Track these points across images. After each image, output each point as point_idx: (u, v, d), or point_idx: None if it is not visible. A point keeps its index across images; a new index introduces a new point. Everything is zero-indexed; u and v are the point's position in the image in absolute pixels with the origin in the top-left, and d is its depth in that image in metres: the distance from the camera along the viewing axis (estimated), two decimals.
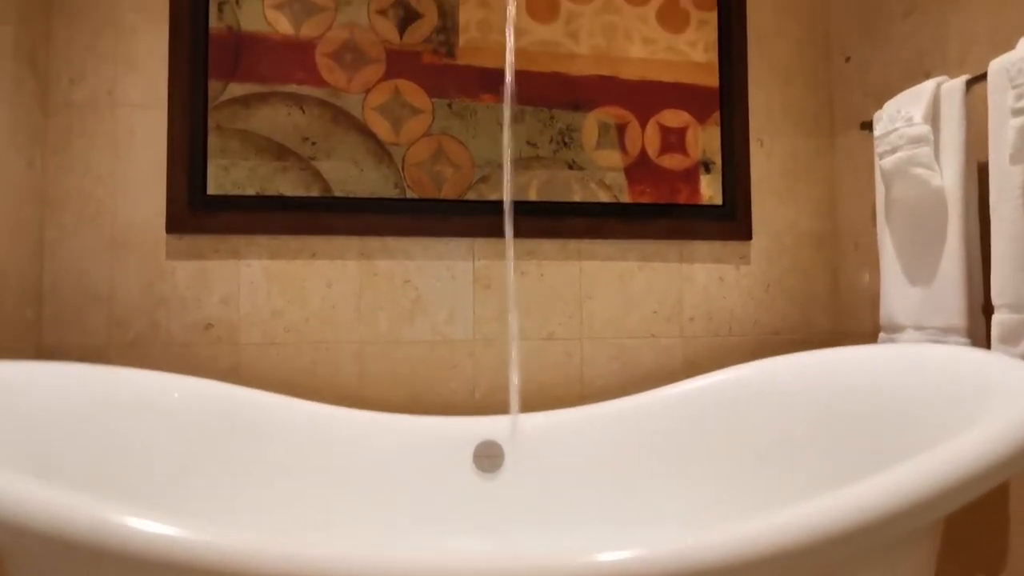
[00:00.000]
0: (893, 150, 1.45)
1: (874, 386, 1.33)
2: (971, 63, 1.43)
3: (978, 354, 1.16)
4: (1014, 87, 1.15)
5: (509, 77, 1.53)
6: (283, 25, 1.62)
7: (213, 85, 1.59)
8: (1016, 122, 1.14)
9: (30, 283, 1.49)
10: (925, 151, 1.38)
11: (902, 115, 1.43)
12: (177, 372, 1.56)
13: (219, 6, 1.60)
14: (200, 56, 1.58)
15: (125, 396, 1.24)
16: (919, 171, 1.39)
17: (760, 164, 1.87)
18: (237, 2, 1.60)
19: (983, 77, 1.29)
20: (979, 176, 1.36)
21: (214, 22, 1.60)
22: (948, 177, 1.37)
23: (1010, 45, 1.33)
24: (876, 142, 1.52)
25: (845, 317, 1.86)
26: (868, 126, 1.63)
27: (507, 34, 1.54)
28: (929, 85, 1.40)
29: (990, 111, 1.25)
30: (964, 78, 1.35)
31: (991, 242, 1.25)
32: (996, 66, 1.24)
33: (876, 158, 1.53)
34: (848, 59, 1.85)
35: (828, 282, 1.89)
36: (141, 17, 1.59)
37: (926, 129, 1.38)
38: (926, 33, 1.56)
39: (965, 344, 1.32)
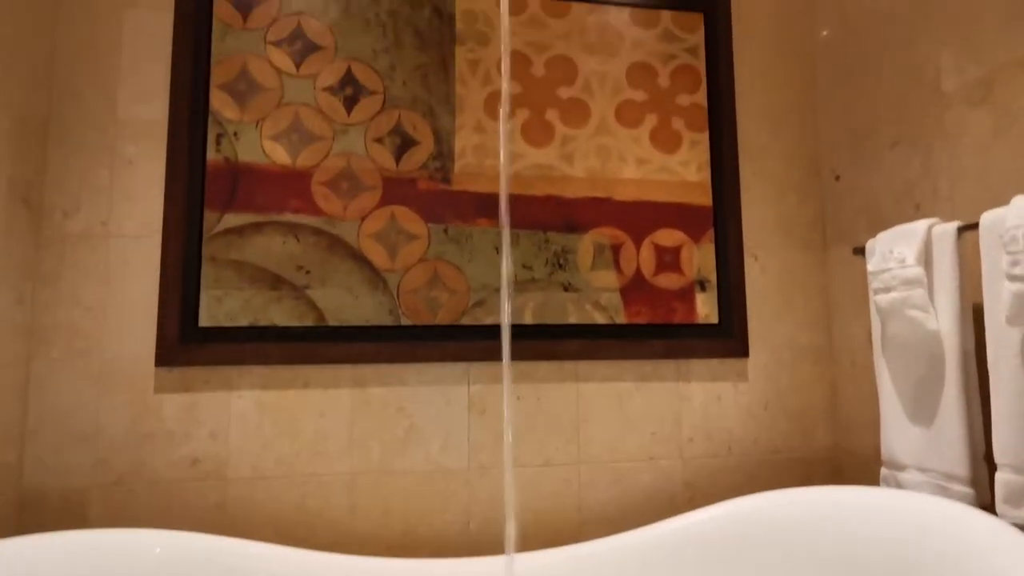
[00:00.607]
0: (887, 289, 1.45)
1: (880, 537, 1.30)
2: (960, 202, 1.46)
3: (986, 522, 1.14)
4: (1008, 252, 1.16)
5: (504, 204, 1.54)
6: (280, 155, 1.63)
7: (209, 216, 1.59)
8: (1012, 287, 1.15)
9: (14, 423, 1.45)
10: (919, 293, 1.39)
11: (895, 255, 1.44)
12: (162, 510, 1.52)
13: (217, 138, 1.61)
14: (196, 188, 1.59)
15: (102, 563, 1.19)
16: (914, 313, 1.40)
17: (755, 279, 1.87)
18: (235, 134, 1.62)
19: (974, 226, 1.31)
20: (975, 315, 1.36)
21: (211, 154, 1.61)
22: (943, 321, 1.37)
23: (998, 187, 1.35)
24: (870, 277, 1.53)
25: (845, 434, 1.84)
26: (860, 251, 1.64)
27: (501, 158, 1.55)
28: (921, 227, 1.42)
29: (983, 265, 1.26)
30: (956, 224, 1.36)
31: (991, 397, 1.24)
32: (988, 220, 1.25)
33: (871, 292, 1.53)
34: (838, 178, 1.88)
35: (827, 398, 1.88)
36: (139, 149, 1.60)
37: (919, 272, 1.39)
38: (914, 166, 1.59)
39: (969, 495, 1.30)
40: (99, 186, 1.57)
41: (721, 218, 1.85)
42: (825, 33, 1.93)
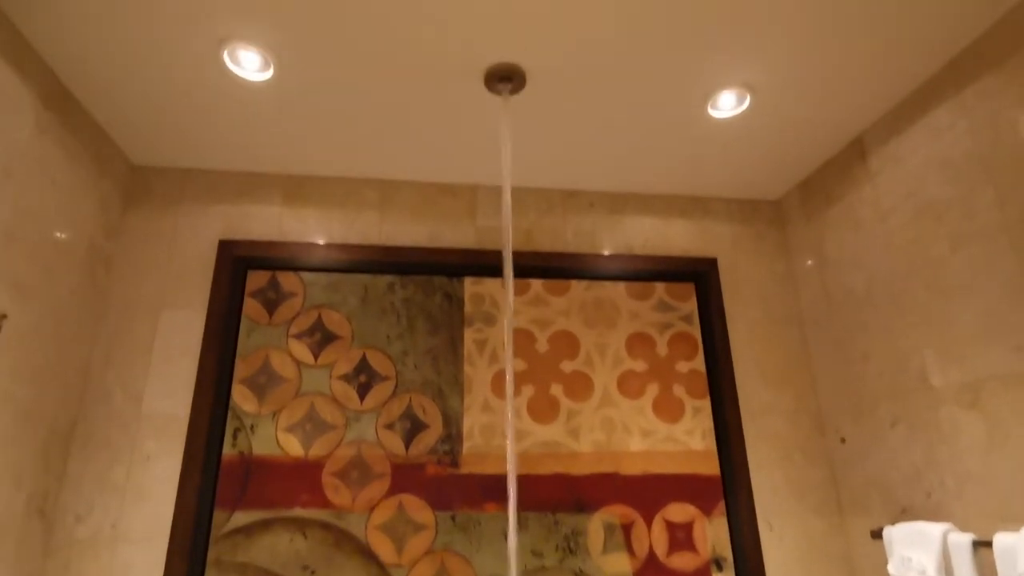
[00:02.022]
0: None
1: None
2: (970, 502, 1.44)
3: None
4: None
5: (512, 499, 1.53)
6: (294, 447, 1.68)
7: (218, 515, 1.60)
8: None
9: None
10: None
11: (915, 564, 1.41)
12: None
13: (234, 432, 1.67)
14: (209, 485, 1.62)
15: None
16: None
17: (773, 551, 1.81)
18: (252, 427, 1.68)
19: (988, 543, 1.29)
20: None
21: (227, 448, 1.66)
22: None
23: (1004, 496, 1.35)
24: None
25: None
26: (878, 534, 1.60)
27: (508, 442, 1.58)
28: (936, 533, 1.40)
29: None
30: (970, 538, 1.34)
31: None
32: (1001, 545, 1.24)
33: None
34: (843, 440, 1.90)
35: None
36: (159, 445, 1.65)
37: None
38: (917, 453, 1.60)
39: None
40: (115, 485, 1.61)
41: (731, 487, 1.83)
42: (808, 304, 2.06)
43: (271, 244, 1.87)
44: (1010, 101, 1.37)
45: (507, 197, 1.44)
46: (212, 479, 1.63)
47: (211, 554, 1.56)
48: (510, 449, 1.34)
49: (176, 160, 1.90)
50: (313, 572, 1.58)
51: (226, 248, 1.83)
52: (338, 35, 1.38)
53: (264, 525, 1.60)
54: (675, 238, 2.13)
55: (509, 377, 1.37)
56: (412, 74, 1.52)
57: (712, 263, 2.08)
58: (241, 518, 1.60)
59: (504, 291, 1.94)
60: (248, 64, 1.47)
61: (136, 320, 1.76)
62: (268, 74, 1.50)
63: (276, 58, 1.45)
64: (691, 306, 2.03)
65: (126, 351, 1.72)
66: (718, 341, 1.99)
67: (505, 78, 1.53)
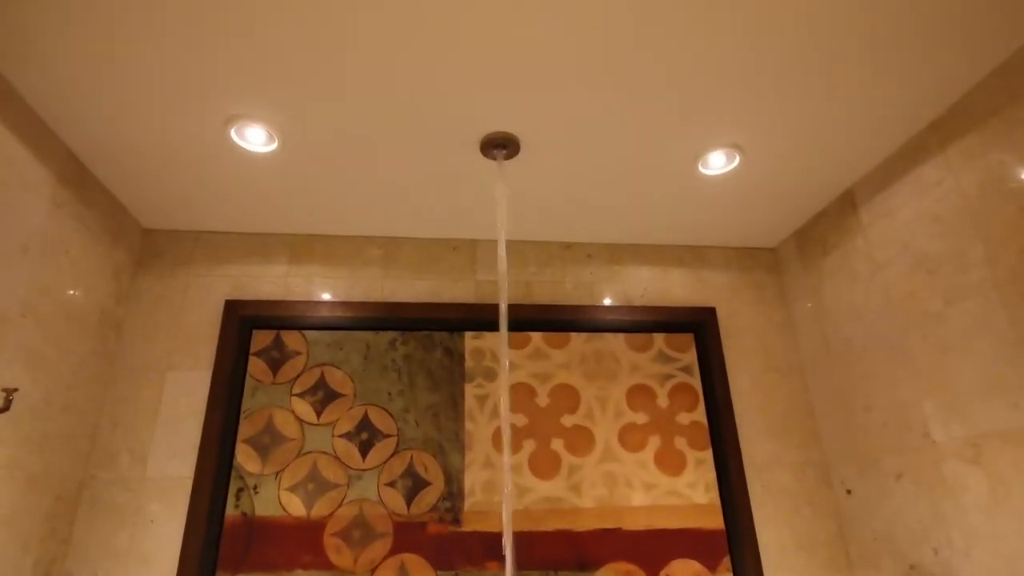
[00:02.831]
0: None
1: None
2: (978, 562, 1.42)
3: None
4: None
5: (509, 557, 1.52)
6: (296, 507, 1.69)
7: None
8: None
9: None
10: None
11: None
12: None
13: (237, 493, 1.69)
14: (211, 548, 1.63)
15: None
16: None
17: None
18: (255, 487, 1.70)
19: None
20: None
21: (230, 509, 1.67)
22: None
23: (1012, 557, 1.32)
24: None
25: None
26: None
27: (504, 509, 1.58)
28: None
29: None
30: None
31: None
32: None
33: None
34: (849, 491, 1.87)
35: None
36: (162, 507, 1.67)
37: None
38: (922, 508, 1.58)
39: None
40: (118, 551, 1.62)
41: (736, 542, 1.81)
42: (809, 353, 2.06)
43: (276, 303, 1.91)
44: (994, 160, 1.40)
45: (503, 252, 1.48)
46: (215, 542, 1.64)
47: None
48: (506, 511, 1.35)
49: (186, 223, 1.97)
50: None
51: (232, 308, 1.88)
52: (339, 108, 1.45)
53: None
54: (673, 288, 2.15)
55: (505, 428, 1.39)
56: (411, 142, 1.58)
57: (711, 312, 2.09)
58: None
59: (500, 344, 1.96)
60: (254, 139, 1.54)
61: (143, 382, 1.80)
62: (273, 146, 1.57)
63: (280, 132, 1.52)
64: (691, 356, 2.04)
65: (133, 413, 1.76)
66: (719, 391, 1.99)
67: (500, 145, 1.58)
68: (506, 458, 1.35)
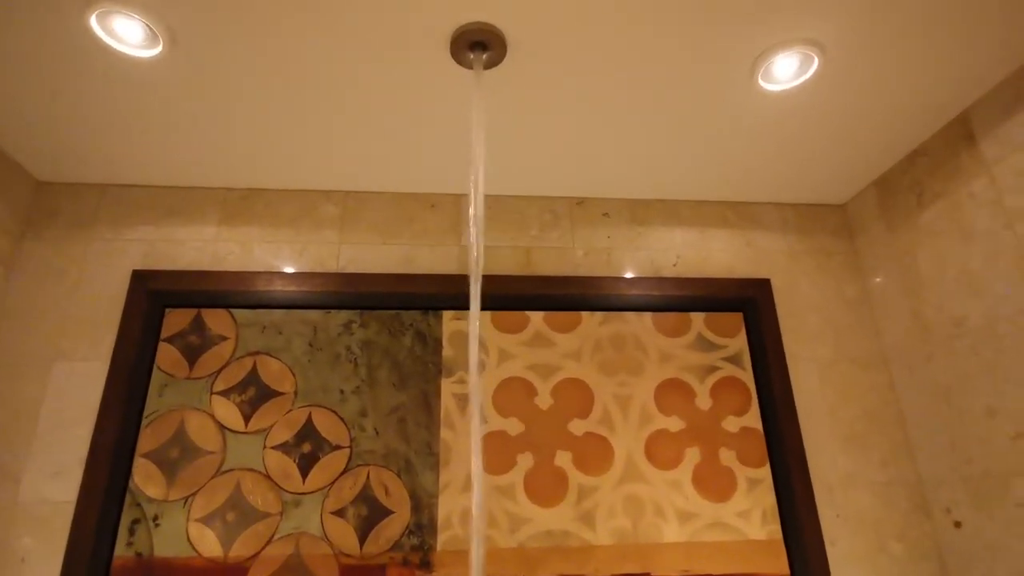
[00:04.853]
0: None
1: None
2: None
3: None
4: None
5: None
6: (209, 544, 1.26)
7: None
8: None
9: None
10: None
11: None
12: None
13: (130, 526, 1.26)
14: None
15: None
16: None
17: None
18: (155, 518, 1.27)
19: None
20: None
21: (121, 548, 1.24)
22: None
23: None
24: None
25: None
26: None
27: (472, 546, 1.13)
28: None
29: None
30: None
31: None
32: None
33: None
34: (958, 524, 1.39)
35: None
36: (37, 542, 1.25)
37: None
38: None
39: None
40: None
41: None
42: (897, 340, 1.57)
43: (199, 275, 1.48)
44: None
45: (479, 199, 1.02)
46: None
47: None
48: (475, 549, 0.91)
49: (90, 174, 1.54)
50: None
51: (140, 279, 1.45)
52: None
53: None
54: (715, 255, 1.67)
55: (475, 435, 0.94)
56: (358, 41, 1.12)
57: (764, 286, 1.61)
58: None
59: (494, 327, 1.50)
60: (128, 35, 1.09)
61: (21, 376, 1.38)
62: (157, 49, 1.12)
63: (164, 27, 1.07)
64: (739, 343, 1.57)
65: (6, 417, 1.34)
66: (777, 389, 1.51)
67: (478, 45, 1.12)
68: (475, 470, 0.90)
